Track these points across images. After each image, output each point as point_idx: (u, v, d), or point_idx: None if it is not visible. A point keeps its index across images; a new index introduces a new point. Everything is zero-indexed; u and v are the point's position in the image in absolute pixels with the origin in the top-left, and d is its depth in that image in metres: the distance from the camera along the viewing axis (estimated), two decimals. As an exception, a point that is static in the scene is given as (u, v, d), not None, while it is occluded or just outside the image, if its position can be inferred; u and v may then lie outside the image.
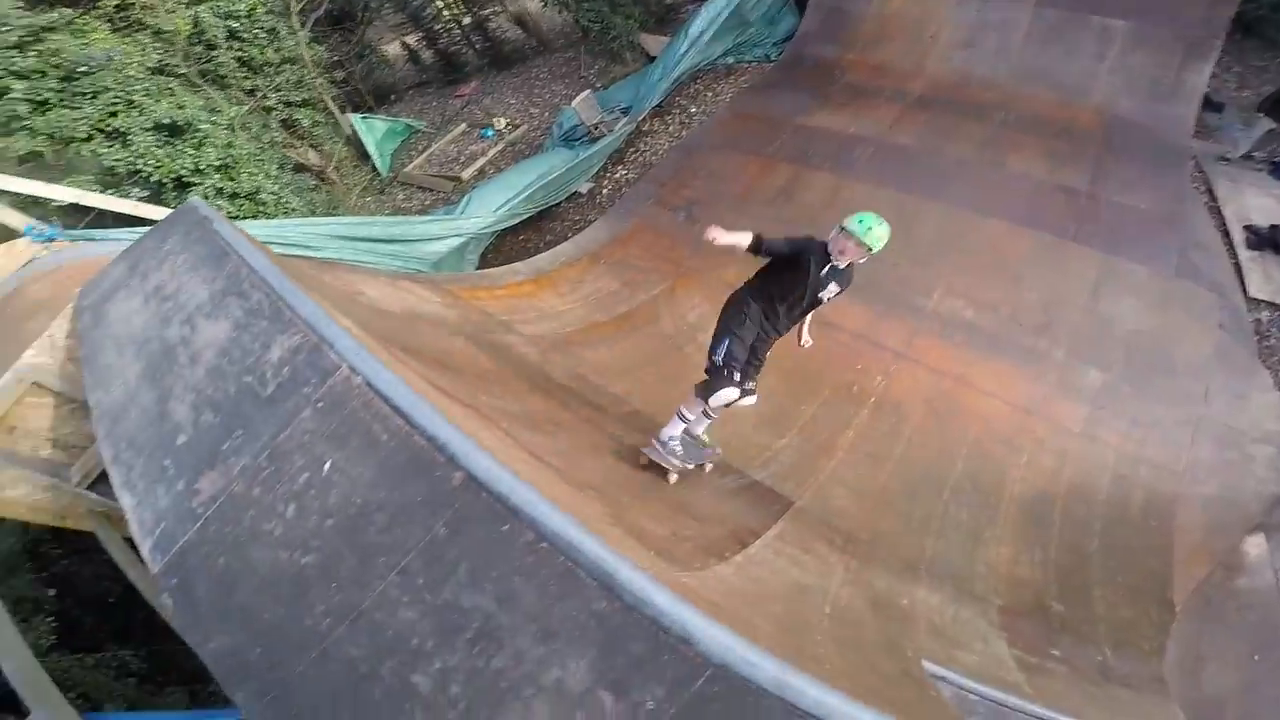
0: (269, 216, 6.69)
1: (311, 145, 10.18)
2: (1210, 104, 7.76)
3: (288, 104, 9.73)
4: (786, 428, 5.00)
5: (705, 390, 3.59)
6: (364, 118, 11.24)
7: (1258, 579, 4.06)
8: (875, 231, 3.08)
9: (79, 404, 3.89)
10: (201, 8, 8.52)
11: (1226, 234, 6.19)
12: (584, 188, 8.55)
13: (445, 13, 15.23)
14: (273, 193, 6.96)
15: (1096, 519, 4.46)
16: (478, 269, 7.38)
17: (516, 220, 7.68)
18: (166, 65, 7.88)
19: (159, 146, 6.37)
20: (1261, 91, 8.27)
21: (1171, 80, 7.60)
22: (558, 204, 8.30)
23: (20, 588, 5.11)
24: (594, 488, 3.14)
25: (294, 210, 7.14)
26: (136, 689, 5.08)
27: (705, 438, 4.21)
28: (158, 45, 7.87)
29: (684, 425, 3.78)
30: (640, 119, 8.97)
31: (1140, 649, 3.72)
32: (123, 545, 3.94)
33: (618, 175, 8.76)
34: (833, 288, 3.33)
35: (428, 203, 9.73)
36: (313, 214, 8.11)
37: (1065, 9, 8.24)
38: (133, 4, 7.93)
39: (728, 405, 3.62)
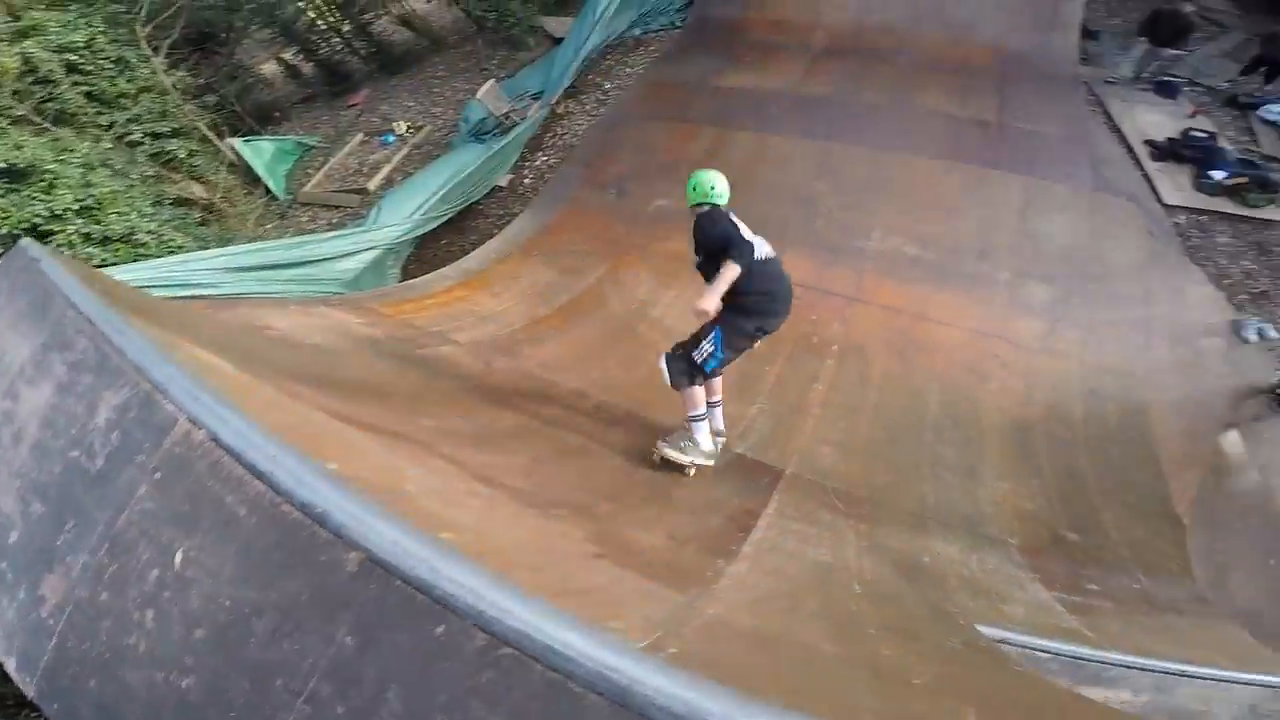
0: (152, 259, 5.95)
1: (192, 177, 9.24)
2: (1087, 33, 8.23)
3: (155, 135, 8.81)
4: (756, 393, 4.82)
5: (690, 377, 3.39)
6: (247, 140, 10.32)
7: (1244, 480, 4.18)
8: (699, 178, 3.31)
9: None
10: (28, 43, 7.58)
11: (1130, 149, 6.51)
12: (503, 180, 8.09)
13: (320, 22, 14.21)
14: (151, 232, 6.19)
15: (1079, 439, 4.50)
16: (401, 281, 6.85)
17: (435, 224, 7.16)
18: None
19: (1, 195, 5.56)
20: (1129, 19, 8.82)
21: (1050, 12, 7.93)
22: (477, 201, 7.80)
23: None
24: (567, 505, 2.81)
25: (180, 249, 6.38)
26: None
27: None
28: None
29: (705, 421, 3.54)
30: (554, 102, 8.63)
31: (1170, 570, 3.68)
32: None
33: (538, 162, 8.34)
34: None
35: (336, 221, 8.97)
36: (204, 249, 7.35)
37: None
38: (-51, 47, 6.95)
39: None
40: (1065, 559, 3.69)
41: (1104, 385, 4.78)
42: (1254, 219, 5.78)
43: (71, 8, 8.52)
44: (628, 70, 9.31)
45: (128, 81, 8.79)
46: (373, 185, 8.97)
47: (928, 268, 5.50)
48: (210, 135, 9.96)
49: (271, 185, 9.95)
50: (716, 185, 3.33)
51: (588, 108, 8.90)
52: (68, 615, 1.66)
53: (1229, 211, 5.83)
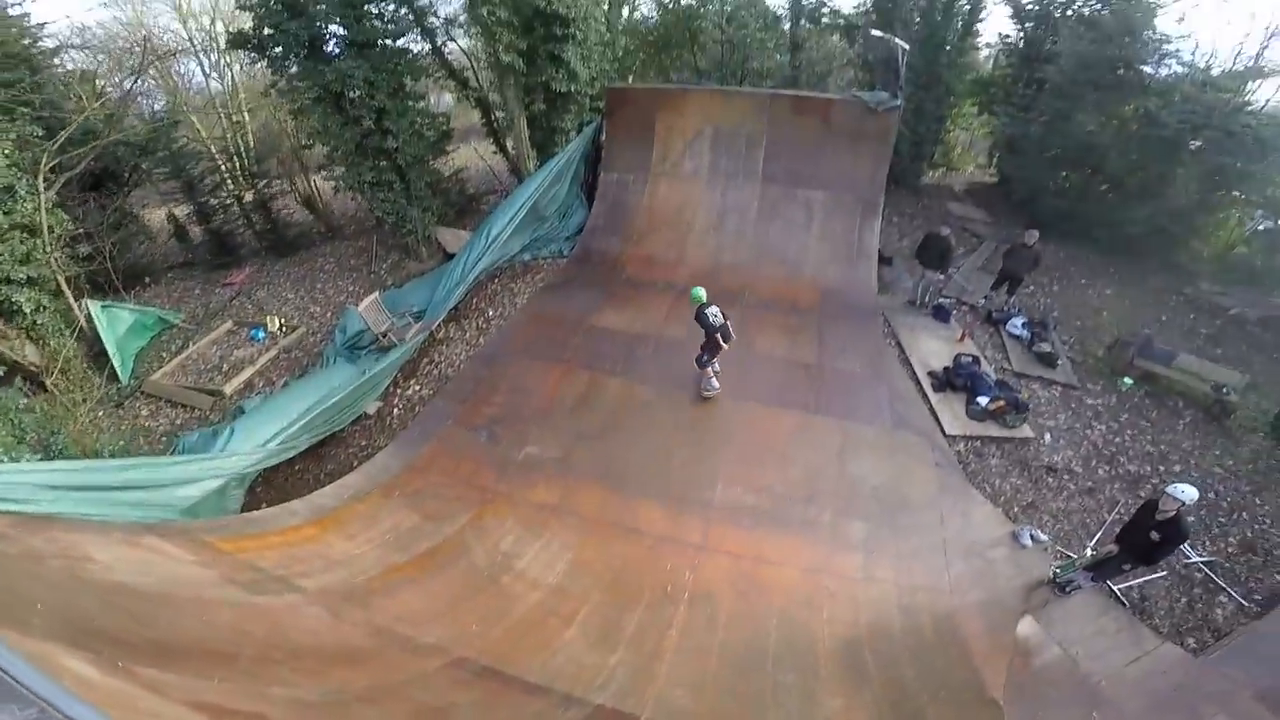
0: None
1: (31, 337, 8.24)
2: (883, 259, 10.06)
3: (7, 281, 7.92)
4: (616, 643, 4.97)
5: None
6: (106, 305, 9.48)
7: (1047, 655, 4.97)
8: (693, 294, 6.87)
9: None
10: None
11: (917, 381, 7.93)
12: (371, 408, 7.79)
13: (225, 186, 14.17)
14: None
15: (901, 650, 5.01)
16: (243, 510, 6.36)
17: (291, 453, 6.81)
18: None
19: None
20: (915, 240, 10.79)
21: (856, 242, 9.80)
22: (340, 429, 7.47)
23: None
24: None
25: (-10, 437, 5.53)
26: None
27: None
28: None
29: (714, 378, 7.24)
30: (434, 326, 8.67)
31: None
32: None
33: (410, 392, 8.11)
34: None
35: (179, 421, 8.21)
36: (21, 439, 6.45)
37: (781, 185, 10.43)
38: None
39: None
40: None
41: (916, 601, 5.45)
42: (1014, 439, 7.16)
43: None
44: (513, 298, 9.67)
45: (4, 214, 8.17)
46: (229, 389, 8.51)
47: (764, 515, 6.17)
48: (68, 292, 9.17)
49: (117, 365, 9.15)
50: (703, 296, 6.88)
51: (468, 335, 8.96)
52: None
53: (995, 435, 7.19)
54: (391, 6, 10.29)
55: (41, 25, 11.75)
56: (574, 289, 9.73)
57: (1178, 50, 11.43)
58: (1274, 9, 12.45)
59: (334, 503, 5.96)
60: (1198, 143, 10.42)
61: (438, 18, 12.65)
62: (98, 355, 9.30)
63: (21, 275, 8.32)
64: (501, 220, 9.68)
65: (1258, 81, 11.65)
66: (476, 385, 7.84)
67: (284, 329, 9.92)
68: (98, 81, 13.35)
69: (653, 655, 4.96)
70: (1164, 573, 5.81)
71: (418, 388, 8.22)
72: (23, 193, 8.50)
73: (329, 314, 10.26)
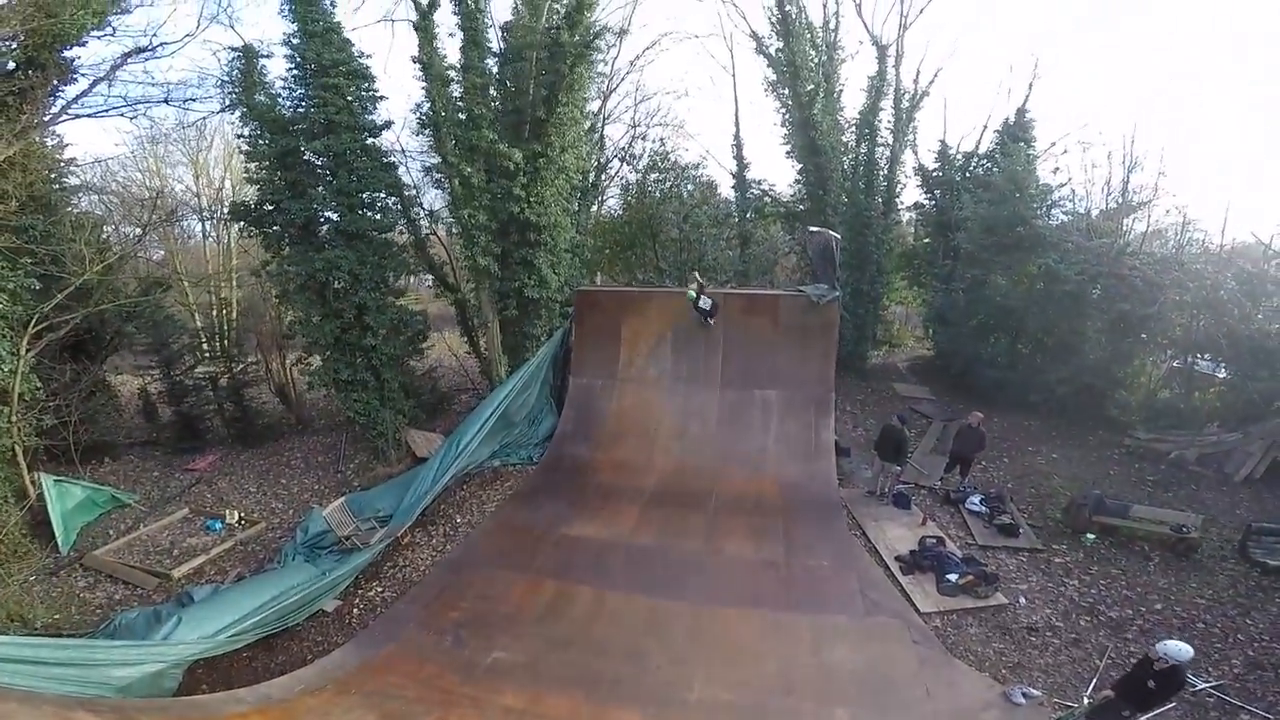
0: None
1: None
2: (840, 450, 10.49)
3: None
4: None
5: None
6: (59, 480, 9.26)
7: None
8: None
9: None
10: None
11: (886, 567, 8.04)
12: (330, 606, 7.52)
13: (202, 366, 14.30)
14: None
15: None
16: (179, 693, 5.76)
17: (240, 644, 6.43)
18: None
19: None
20: (868, 426, 11.35)
21: (813, 438, 10.17)
22: (296, 625, 7.11)
23: None
24: None
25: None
26: None
27: None
28: None
29: None
30: (400, 534, 8.61)
31: None
32: None
33: (372, 593, 7.90)
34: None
35: (118, 597, 7.65)
36: None
37: (738, 388, 11.06)
38: None
39: None
40: None
41: None
42: (989, 607, 7.15)
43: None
44: (481, 505, 9.70)
45: None
46: (179, 573, 8.14)
47: (744, 711, 5.89)
48: (22, 463, 8.93)
49: (59, 536, 8.72)
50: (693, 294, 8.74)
51: (435, 541, 8.89)
52: None
53: (970, 607, 7.22)
54: (382, 195, 11.42)
55: (71, 162, 12.45)
56: (543, 498, 9.89)
57: (1059, 199, 12.88)
58: (1127, 145, 14.46)
59: (284, 694, 5.49)
60: (1097, 291, 11.26)
61: (423, 208, 14.19)
62: (40, 524, 8.89)
63: None
64: (472, 429, 10.08)
65: (1131, 217, 12.81)
66: (442, 590, 7.67)
67: (243, 523, 9.65)
68: (105, 227, 13.82)
69: None
70: (1173, 703, 5.57)
71: (380, 589, 7.97)
72: (3, 354, 8.45)
73: (291, 511, 10.06)
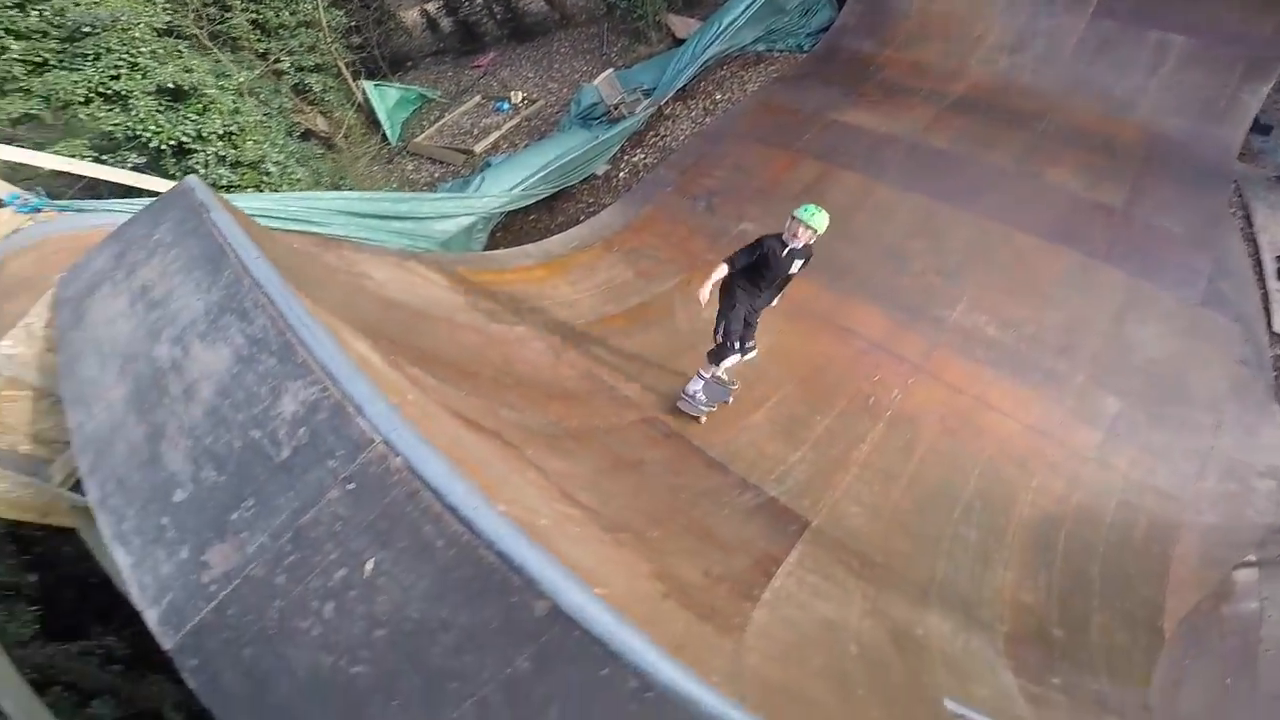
0: (273, 188, 6.42)
1: (321, 111, 9.88)
2: (1259, 126, 7.41)
3: (300, 69, 9.45)
4: (801, 440, 4.84)
5: (715, 358, 4.53)
6: (377, 85, 10.91)
7: (1242, 605, 4.03)
8: (817, 218, 3.99)
9: (59, 397, 3.74)
10: None
11: (1259, 263, 5.94)
12: (600, 170, 8.29)
13: None
14: (277, 162, 6.69)
15: (1100, 543, 4.39)
16: (485, 249, 7.15)
17: (530, 200, 7.44)
18: (176, 27, 7.55)
19: (160, 111, 6.10)
20: None
21: (1225, 100, 7.23)
22: (571, 186, 8.04)
23: (0, 573, 4.86)
24: (628, 529, 2.97)
25: (299, 181, 6.87)
26: (121, 677, 4.86)
27: (725, 377, 4.83)
28: (168, 6, 7.55)
29: (704, 381, 4.68)
30: (663, 102, 8.71)
31: (1132, 677, 3.70)
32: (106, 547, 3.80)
33: (635, 159, 8.48)
34: (797, 263, 4.27)
35: (437, 175, 9.46)
36: (318, 183, 7.84)
37: (1123, 21, 7.89)
38: (144, -39, 7.54)
39: (734, 364, 4.61)
40: (1044, 651, 3.74)
41: (1142, 501, 4.60)
42: None
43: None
44: (742, 85, 9.24)
45: (291, 14, 9.43)
46: (479, 148, 9.38)
47: (1003, 353, 5.29)
48: (347, 75, 10.59)
49: (388, 130, 10.53)
50: (818, 224, 4.15)
51: (694, 114, 8.92)
52: (235, 587, 1.84)
53: None
54: None
55: None
56: (812, 83, 8.63)
57: None
58: None
59: (562, 250, 6.39)
60: None
61: None
62: (372, 125, 10.90)
63: (310, 62, 9.73)
64: (737, 8, 8.84)
65: None
66: (699, 158, 7.64)
67: (525, 102, 10.57)
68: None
69: (836, 464, 4.74)
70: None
71: (642, 156, 8.51)
72: None
73: (565, 90, 10.69)
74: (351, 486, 1.82)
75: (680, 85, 8.76)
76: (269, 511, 1.89)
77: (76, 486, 3.89)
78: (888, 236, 6.03)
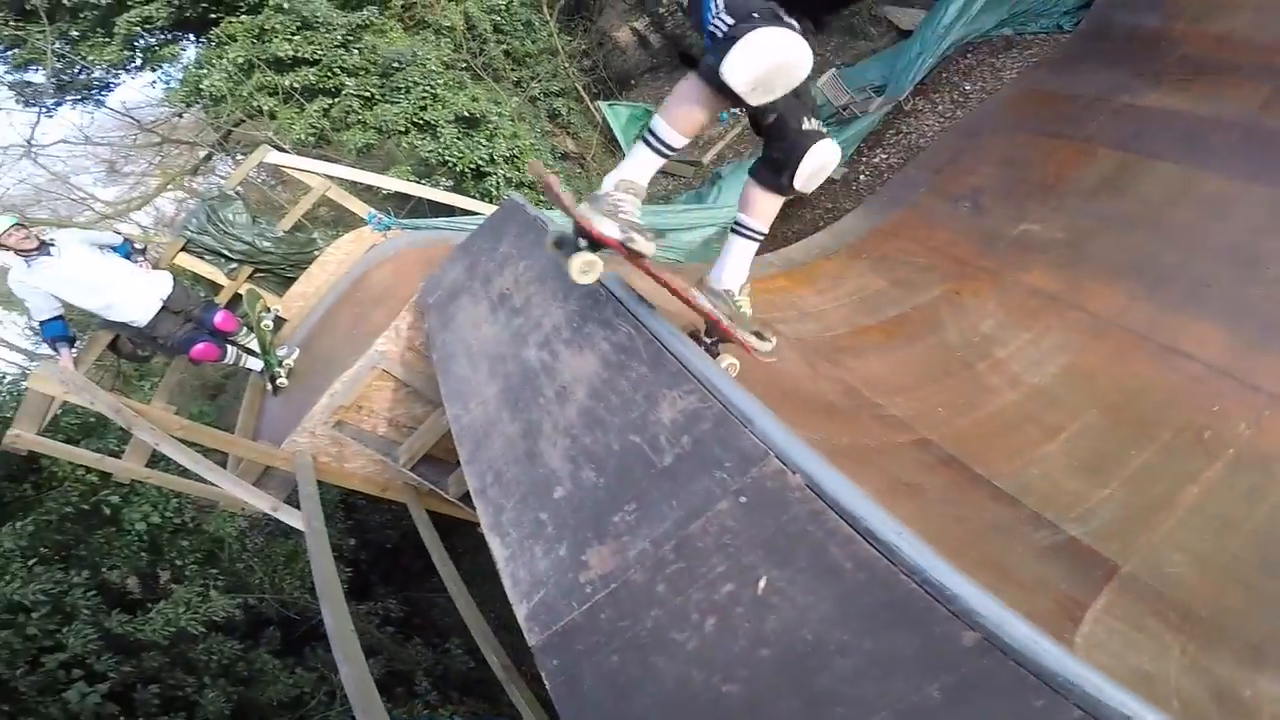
0: (548, 207, 7.24)
1: (569, 133, 10.89)
2: None
3: (548, 94, 10.47)
4: (1109, 475, 4.16)
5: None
6: (610, 104, 11.65)
7: None
8: None
9: (412, 389, 4.39)
10: (469, 3, 9.23)
11: None
12: (837, 174, 8.04)
13: None
14: (551, 184, 7.51)
15: None
16: None
17: None
18: (453, 61, 8.83)
19: (459, 138, 7.11)
20: None
21: None
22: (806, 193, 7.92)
23: (332, 537, 5.89)
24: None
25: (567, 199, 7.63)
26: (391, 639, 5.36)
27: (742, 299, 2.68)
28: (444, 41, 8.76)
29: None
30: (901, 98, 8.23)
31: None
32: (428, 522, 4.40)
33: (876, 160, 8.10)
34: None
35: (670, 188, 9.93)
36: (578, 202, 8.62)
37: None
38: (414, 3, 8.87)
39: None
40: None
41: None
42: None
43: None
44: (995, 73, 8.43)
45: (532, 43, 10.49)
46: (706, 159, 9.69)
47: None
48: (585, 97, 11.54)
49: (624, 147, 11.24)
50: None
51: (940, 108, 8.29)
52: (612, 590, 1.85)
53: None
54: None
55: None
56: (1087, 65, 7.54)
57: None
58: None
59: (804, 258, 6.28)
60: None
61: None
62: (610, 143, 11.58)
63: (555, 87, 10.67)
64: None
65: None
66: (956, 155, 7.02)
67: (744, 110, 10.61)
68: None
69: (1157, 505, 3.96)
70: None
71: (884, 156, 8.16)
72: (537, 24, 10.50)
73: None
74: (744, 500, 1.77)
75: (917, 80, 8.21)
76: (652, 517, 1.88)
77: (414, 469, 4.67)
78: (1227, 237, 4.96)
